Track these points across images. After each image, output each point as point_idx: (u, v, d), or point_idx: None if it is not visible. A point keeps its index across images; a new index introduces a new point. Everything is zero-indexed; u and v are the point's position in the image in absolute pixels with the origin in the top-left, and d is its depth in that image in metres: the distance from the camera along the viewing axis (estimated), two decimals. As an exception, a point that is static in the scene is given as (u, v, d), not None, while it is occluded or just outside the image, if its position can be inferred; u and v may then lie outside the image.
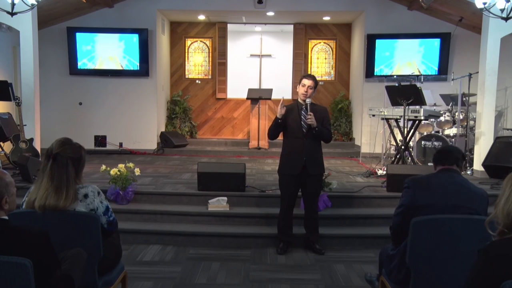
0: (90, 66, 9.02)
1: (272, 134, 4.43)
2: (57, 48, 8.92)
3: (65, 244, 2.47)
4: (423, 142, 7.11)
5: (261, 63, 10.59)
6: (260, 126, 8.90)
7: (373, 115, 6.78)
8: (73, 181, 2.58)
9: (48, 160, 2.57)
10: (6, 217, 2.14)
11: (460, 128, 7.08)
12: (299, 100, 4.43)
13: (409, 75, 7.84)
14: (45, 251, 2.08)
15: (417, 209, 2.68)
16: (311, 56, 10.34)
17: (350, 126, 9.83)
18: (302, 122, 4.33)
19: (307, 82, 4.36)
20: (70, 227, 2.58)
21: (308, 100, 4.32)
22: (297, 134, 4.33)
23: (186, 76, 10.40)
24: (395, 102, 6.23)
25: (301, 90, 4.37)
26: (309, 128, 4.29)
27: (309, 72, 10.28)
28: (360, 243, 4.69)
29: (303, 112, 4.35)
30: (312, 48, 10.34)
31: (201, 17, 9.77)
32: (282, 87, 9.99)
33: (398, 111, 6.24)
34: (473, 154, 6.87)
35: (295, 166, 4.35)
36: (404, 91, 5.99)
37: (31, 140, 6.56)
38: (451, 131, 7.22)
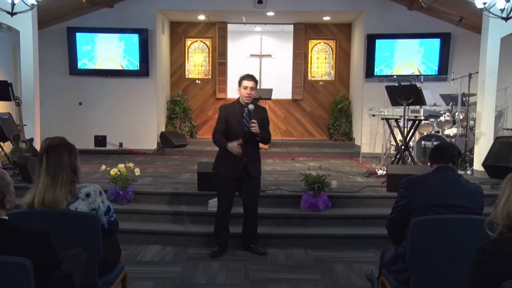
0: (90, 66, 9.02)
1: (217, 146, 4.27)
2: (57, 48, 8.92)
3: (65, 244, 2.47)
4: (423, 142, 7.11)
5: (261, 63, 10.58)
6: (260, 126, 8.88)
7: (373, 115, 6.78)
8: (67, 166, 2.60)
9: (41, 157, 2.61)
10: (6, 217, 2.14)
11: (460, 128, 7.08)
12: (240, 101, 4.20)
13: (409, 75, 7.83)
14: (45, 251, 2.08)
15: (412, 210, 2.73)
16: (311, 56, 10.34)
17: (350, 126, 9.83)
18: (246, 128, 4.13)
19: (248, 83, 4.09)
20: (70, 227, 2.58)
21: (251, 106, 4.10)
22: (238, 137, 4.11)
23: (186, 76, 10.40)
24: (395, 102, 6.23)
25: (243, 93, 4.12)
26: (251, 134, 4.09)
27: (309, 72, 10.29)
28: (360, 243, 4.69)
29: (245, 115, 4.15)
30: (312, 48, 10.33)
31: (201, 17, 9.77)
32: (282, 87, 10.02)
33: (398, 111, 6.24)
34: (473, 154, 6.87)
35: (234, 169, 4.17)
36: (404, 91, 5.99)
37: (31, 140, 6.56)
38: (451, 131, 7.21)
